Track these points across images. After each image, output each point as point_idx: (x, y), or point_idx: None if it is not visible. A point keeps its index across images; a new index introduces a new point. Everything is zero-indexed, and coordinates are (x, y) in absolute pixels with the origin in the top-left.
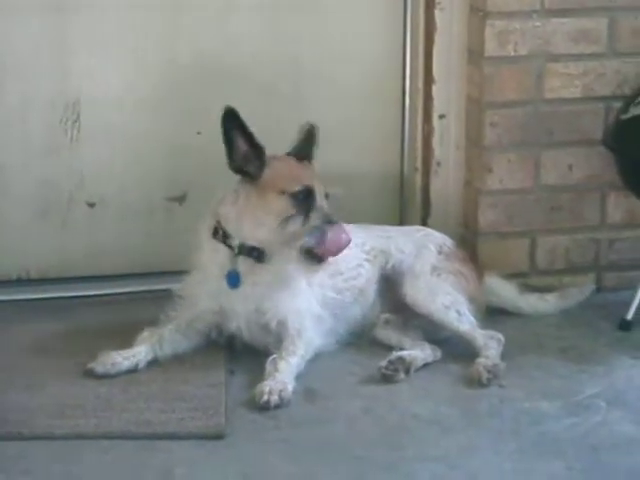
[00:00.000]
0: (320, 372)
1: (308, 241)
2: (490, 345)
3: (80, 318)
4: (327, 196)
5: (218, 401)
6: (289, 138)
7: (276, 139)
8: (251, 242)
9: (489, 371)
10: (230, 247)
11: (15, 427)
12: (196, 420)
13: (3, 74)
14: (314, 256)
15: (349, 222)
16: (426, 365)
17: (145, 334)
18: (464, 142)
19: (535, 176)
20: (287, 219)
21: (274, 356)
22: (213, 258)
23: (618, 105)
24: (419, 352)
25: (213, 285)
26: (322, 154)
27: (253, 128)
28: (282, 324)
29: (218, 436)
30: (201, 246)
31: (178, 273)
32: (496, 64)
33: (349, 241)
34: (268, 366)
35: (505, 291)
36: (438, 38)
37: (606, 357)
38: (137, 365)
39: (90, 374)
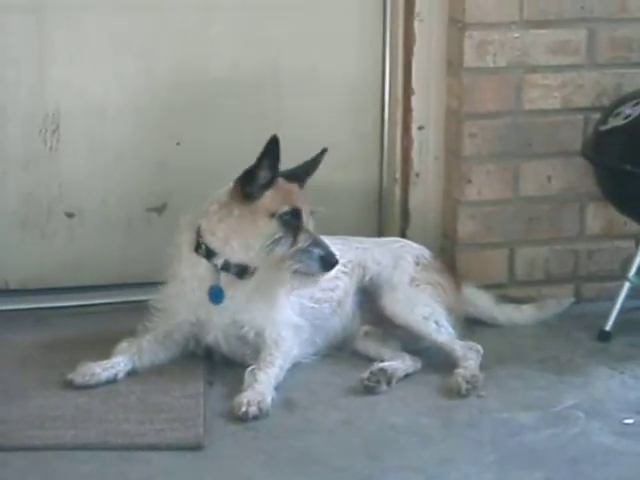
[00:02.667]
0: (299, 383)
1: (296, 264)
2: (469, 356)
3: (59, 329)
4: (312, 213)
5: (196, 412)
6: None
7: (254, 150)
8: (236, 260)
9: (468, 382)
10: (212, 263)
11: None
12: (175, 431)
13: None
14: (303, 277)
15: (327, 233)
16: (407, 376)
17: (123, 345)
18: (443, 153)
19: (514, 187)
20: (275, 241)
21: (252, 367)
22: (193, 272)
23: (597, 116)
24: (400, 363)
25: (191, 297)
26: None
27: (234, 137)
28: (259, 335)
29: (197, 447)
30: (180, 259)
31: (157, 284)
32: (475, 75)
33: (337, 261)
34: (247, 377)
35: (482, 301)
36: (417, 49)
37: (585, 368)
38: (116, 376)
39: (69, 385)
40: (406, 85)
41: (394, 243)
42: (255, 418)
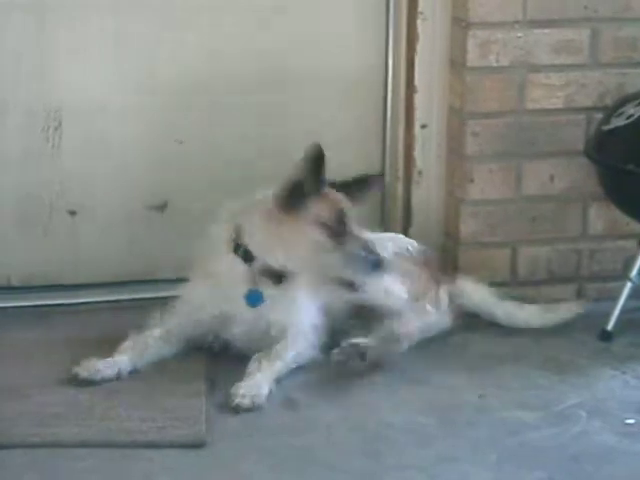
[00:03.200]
0: (299, 381)
1: (344, 271)
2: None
3: (60, 326)
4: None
5: (198, 410)
6: (269, 148)
7: (256, 148)
8: (277, 266)
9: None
10: (249, 265)
11: None
12: (176, 429)
13: None
14: (349, 284)
15: None
16: (390, 357)
17: (128, 343)
18: (446, 152)
19: (516, 186)
20: (322, 249)
21: (260, 354)
22: (229, 271)
23: (600, 116)
24: (377, 341)
25: (222, 295)
26: None
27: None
28: (283, 332)
29: (198, 445)
30: (216, 256)
31: (158, 281)
32: (478, 74)
33: (386, 264)
34: (251, 363)
35: (478, 295)
36: (420, 48)
37: (586, 368)
38: (119, 374)
39: (74, 379)
40: (409, 83)
41: (386, 237)
42: (248, 410)
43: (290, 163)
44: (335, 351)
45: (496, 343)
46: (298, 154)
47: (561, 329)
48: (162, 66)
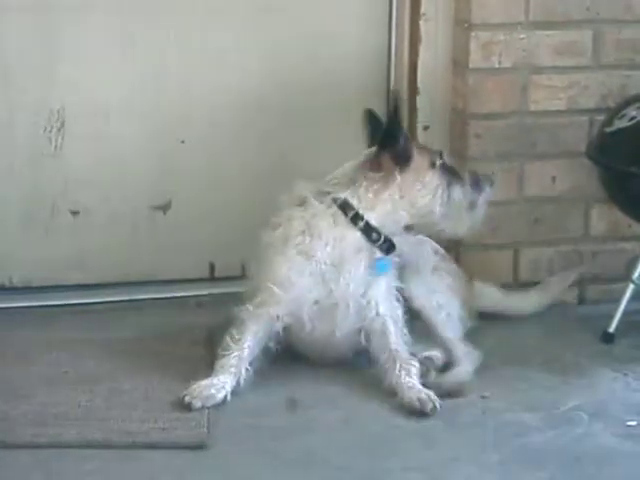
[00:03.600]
0: (302, 381)
1: (476, 198)
2: (467, 361)
3: (63, 326)
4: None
5: (200, 411)
6: (274, 147)
7: (259, 147)
8: (397, 231)
9: (459, 384)
10: (370, 238)
11: None
12: (178, 430)
13: None
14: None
15: None
16: (445, 365)
17: (227, 360)
18: (448, 153)
19: (519, 188)
20: (448, 187)
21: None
22: (338, 246)
23: (602, 118)
24: (438, 352)
25: (328, 275)
26: (308, 163)
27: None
28: (379, 318)
29: (200, 446)
30: (319, 234)
31: (161, 282)
32: (481, 76)
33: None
34: (395, 380)
35: (488, 293)
36: (423, 49)
37: (588, 369)
38: (226, 397)
39: (188, 408)
40: (411, 85)
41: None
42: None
43: (293, 160)
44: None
45: (499, 344)
46: (301, 151)
47: (563, 331)
48: (165, 66)
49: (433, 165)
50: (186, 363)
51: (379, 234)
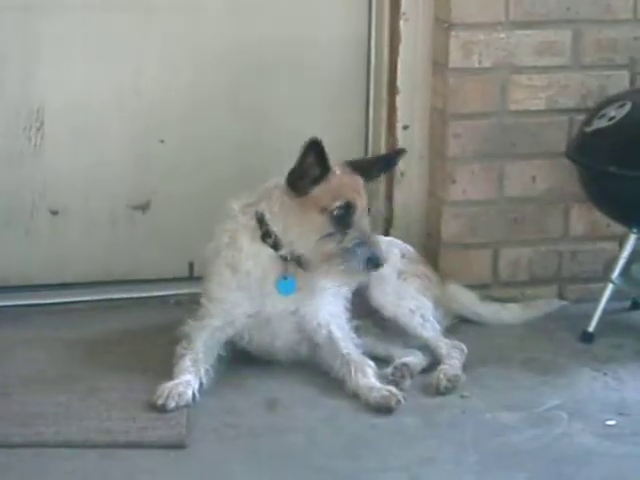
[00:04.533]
0: (281, 382)
1: (342, 263)
2: (453, 355)
3: (42, 326)
4: (369, 211)
5: (180, 411)
6: (252, 148)
7: (238, 148)
8: (297, 251)
9: (449, 380)
10: (279, 253)
11: None
12: (157, 429)
13: None
14: (349, 274)
15: None
16: (423, 370)
17: (183, 363)
18: (428, 153)
19: (498, 187)
20: (325, 237)
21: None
22: (257, 261)
23: (582, 118)
24: (415, 358)
25: (254, 289)
26: (287, 163)
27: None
28: (323, 328)
29: (179, 446)
30: (239, 247)
31: (140, 281)
32: (460, 75)
33: (382, 263)
34: (354, 381)
35: (465, 297)
36: (403, 49)
37: (568, 369)
38: (195, 395)
39: (163, 410)
40: (391, 84)
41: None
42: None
43: (272, 162)
44: (388, 371)
45: (478, 344)
46: (280, 154)
47: (543, 330)
48: (144, 65)
49: (323, 210)
50: (165, 362)
51: (289, 251)
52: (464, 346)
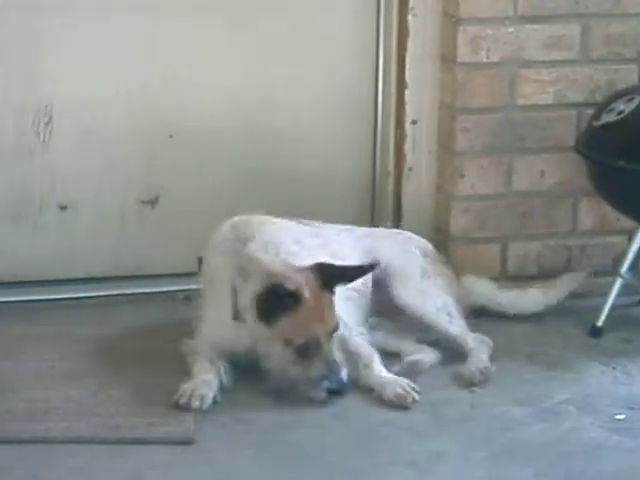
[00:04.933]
0: None
1: (306, 391)
2: (480, 348)
3: (50, 321)
4: (335, 330)
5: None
6: (259, 143)
7: (247, 142)
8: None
9: (481, 372)
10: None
11: None
12: (165, 425)
13: None
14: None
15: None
16: (431, 367)
17: (205, 363)
18: (436, 147)
19: (507, 182)
20: (289, 368)
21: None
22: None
23: (590, 112)
24: (424, 355)
25: (231, 328)
26: (296, 158)
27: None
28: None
29: (187, 441)
30: (218, 291)
31: (149, 277)
32: (469, 70)
33: (345, 393)
34: (368, 378)
35: (484, 288)
36: (411, 44)
37: (577, 363)
38: (216, 395)
39: (186, 408)
40: (399, 79)
41: (398, 234)
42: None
43: (281, 154)
44: (397, 368)
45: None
46: (289, 145)
47: (551, 325)
48: (153, 61)
49: (288, 343)
50: (174, 358)
51: None
52: (489, 340)
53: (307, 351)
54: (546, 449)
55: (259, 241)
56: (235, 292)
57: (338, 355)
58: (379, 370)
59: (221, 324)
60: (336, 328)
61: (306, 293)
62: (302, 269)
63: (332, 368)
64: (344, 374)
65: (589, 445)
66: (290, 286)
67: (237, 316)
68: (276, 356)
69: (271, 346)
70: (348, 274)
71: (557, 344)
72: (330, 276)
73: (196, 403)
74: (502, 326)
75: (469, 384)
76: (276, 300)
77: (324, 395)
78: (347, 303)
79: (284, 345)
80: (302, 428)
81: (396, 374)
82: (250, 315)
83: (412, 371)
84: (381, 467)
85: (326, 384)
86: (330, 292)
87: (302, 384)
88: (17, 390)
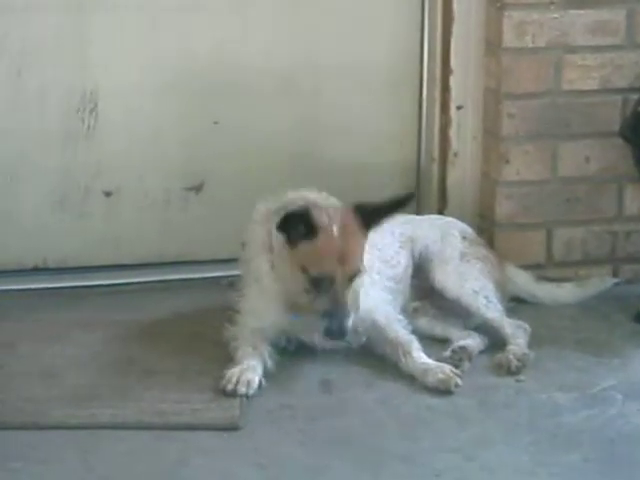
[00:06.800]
0: (336, 363)
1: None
2: (518, 334)
3: (96, 307)
4: (355, 276)
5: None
6: (306, 128)
7: (292, 129)
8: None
9: (519, 359)
10: None
11: (31, 417)
12: (211, 411)
13: (22, 62)
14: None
15: None
16: (480, 353)
17: (249, 348)
18: (481, 133)
19: (552, 168)
20: (300, 293)
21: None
22: (272, 275)
23: (635, 97)
24: (472, 341)
25: (276, 302)
26: (340, 144)
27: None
28: (368, 321)
29: (233, 427)
30: (259, 262)
31: (194, 263)
32: (514, 55)
33: (342, 336)
34: (407, 365)
35: (521, 278)
36: (456, 29)
37: (622, 349)
38: (261, 380)
39: (233, 395)
40: (444, 65)
41: (438, 219)
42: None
43: (327, 141)
44: (447, 354)
45: (533, 325)
46: (334, 133)
47: (596, 311)
48: (198, 48)
49: (304, 269)
50: (218, 344)
51: None
52: (527, 325)
53: (319, 285)
54: (591, 435)
55: (294, 202)
56: (270, 233)
57: (351, 301)
58: (419, 356)
59: (262, 307)
60: (356, 273)
61: (332, 228)
62: (338, 208)
63: (337, 309)
64: (346, 320)
65: (635, 431)
66: (315, 213)
67: (270, 249)
68: (292, 280)
69: (290, 269)
70: (385, 210)
71: (602, 330)
72: (367, 214)
73: (242, 389)
74: (548, 312)
75: (507, 372)
76: (297, 221)
77: (321, 331)
78: (385, 291)
79: (301, 271)
80: (347, 414)
81: (443, 360)
82: (277, 243)
83: (461, 356)
84: (427, 452)
85: (325, 322)
86: (365, 235)
87: (310, 310)
88: (63, 376)
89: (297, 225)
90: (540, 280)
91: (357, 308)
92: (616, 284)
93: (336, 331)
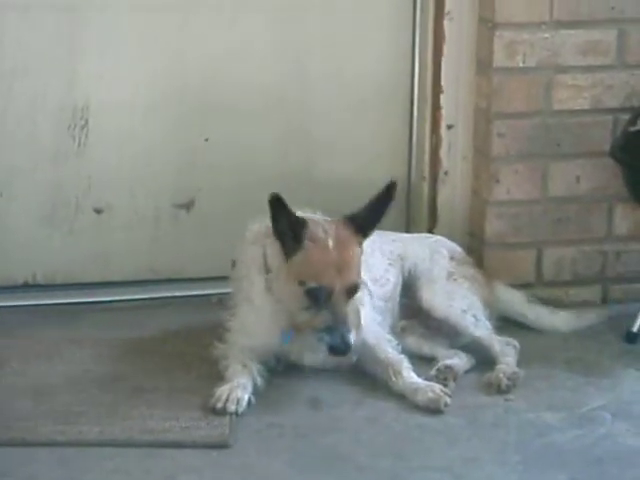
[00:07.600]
0: (325, 382)
1: (314, 336)
2: (507, 352)
3: (86, 324)
4: (354, 289)
5: None
6: (297, 144)
7: (283, 145)
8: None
9: (509, 378)
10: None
11: (19, 433)
12: (200, 429)
13: (13, 77)
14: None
15: None
16: (465, 373)
17: (238, 366)
18: (472, 152)
19: (542, 187)
20: (300, 310)
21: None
22: (266, 296)
23: (626, 117)
24: (459, 360)
25: (268, 322)
26: (331, 161)
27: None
28: (362, 342)
29: (222, 445)
30: (251, 281)
31: (185, 280)
32: (504, 75)
33: (345, 351)
34: (397, 384)
35: (512, 298)
36: (447, 48)
37: (612, 369)
38: (250, 398)
39: (222, 413)
40: (435, 84)
41: (427, 238)
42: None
43: (317, 158)
44: (432, 374)
45: (522, 344)
46: (325, 149)
47: (587, 330)
48: (189, 64)
49: (301, 283)
50: (208, 362)
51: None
52: (516, 342)
53: (318, 298)
54: (580, 455)
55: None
56: (264, 253)
57: (351, 316)
58: (409, 376)
59: (253, 326)
60: (355, 286)
61: (327, 240)
62: (332, 221)
63: (338, 323)
64: (350, 335)
65: (624, 451)
66: (311, 226)
67: (267, 270)
68: (290, 297)
69: (288, 284)
70: (376, 211)
71: (592, 350)
72: (360, 223)
73: (232, 407)
74: (537, 332)
75: (497, 390)
76: (291, 231)
77: (326, 349)
78: (374, 311)
79: (298, 285)
80: (336, 432)
81: (429, 379)
82: (273, 260)
83: (446, 376)
84: (415, 471)
85: (327, 338)
86: (361, 248)
87: (308, 330)
88: (52, 393)
89: (291, 238)
90: (532, 302)
91: (359, 325)
92: (603, 301)
93: (340, 346)
